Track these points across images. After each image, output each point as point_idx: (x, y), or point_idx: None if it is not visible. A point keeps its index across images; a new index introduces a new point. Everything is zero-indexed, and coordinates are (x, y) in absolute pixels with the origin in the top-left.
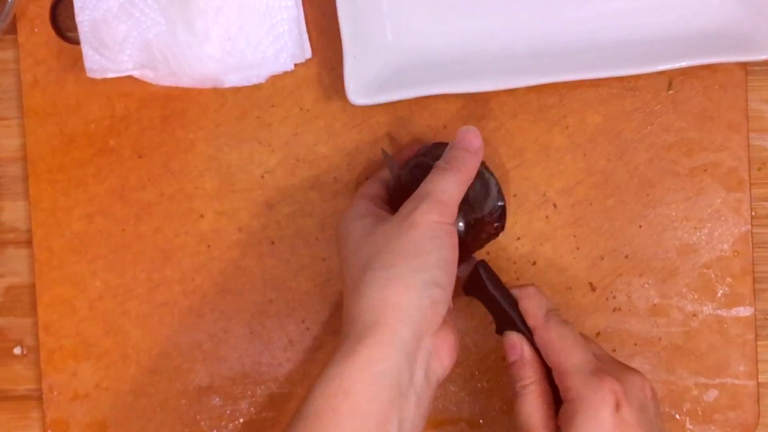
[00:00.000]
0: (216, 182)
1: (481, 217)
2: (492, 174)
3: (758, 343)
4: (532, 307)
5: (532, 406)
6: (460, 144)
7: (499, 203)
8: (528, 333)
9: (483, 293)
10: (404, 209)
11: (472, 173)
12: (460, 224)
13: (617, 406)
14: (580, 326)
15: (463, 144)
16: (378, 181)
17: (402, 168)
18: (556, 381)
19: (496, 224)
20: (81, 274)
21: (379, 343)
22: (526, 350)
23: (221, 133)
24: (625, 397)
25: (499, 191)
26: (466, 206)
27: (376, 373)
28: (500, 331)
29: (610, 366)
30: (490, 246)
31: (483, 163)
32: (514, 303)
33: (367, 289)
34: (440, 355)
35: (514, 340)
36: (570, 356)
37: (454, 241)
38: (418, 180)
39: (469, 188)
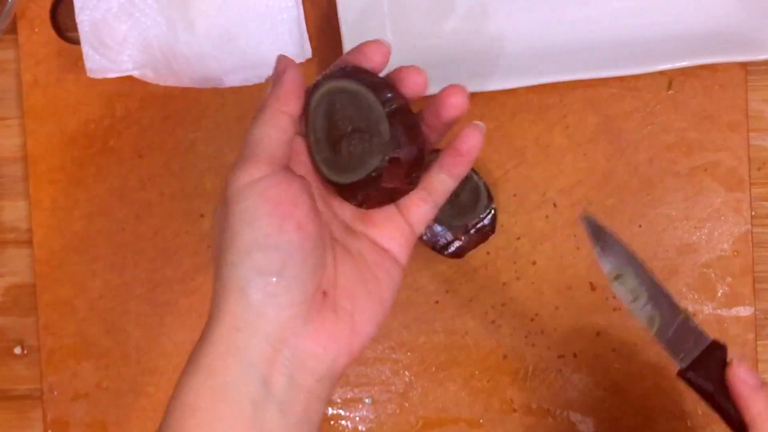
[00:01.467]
0: (216, 182)
1: (473, 223)
2: (481, 178)
3: (758, 342)
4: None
5: None
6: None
7: (490, 208)
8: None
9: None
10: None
11: (285, 102)
12: (438, 227)
13: None
14: (580, 326)
15: (274, 74)
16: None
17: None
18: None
19: (487, 228)
20: (81, 274)
21: (216, 353)
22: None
23: (221, 133)
24: None
25: (489, 195)
26: (456, 211)
27: (218, 386)
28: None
29: None
30: (490, 246)
31: (472, 169)
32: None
33: (215, 296)
34: (314, 352)
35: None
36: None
37: (275, 196)
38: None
39: (459, 193)
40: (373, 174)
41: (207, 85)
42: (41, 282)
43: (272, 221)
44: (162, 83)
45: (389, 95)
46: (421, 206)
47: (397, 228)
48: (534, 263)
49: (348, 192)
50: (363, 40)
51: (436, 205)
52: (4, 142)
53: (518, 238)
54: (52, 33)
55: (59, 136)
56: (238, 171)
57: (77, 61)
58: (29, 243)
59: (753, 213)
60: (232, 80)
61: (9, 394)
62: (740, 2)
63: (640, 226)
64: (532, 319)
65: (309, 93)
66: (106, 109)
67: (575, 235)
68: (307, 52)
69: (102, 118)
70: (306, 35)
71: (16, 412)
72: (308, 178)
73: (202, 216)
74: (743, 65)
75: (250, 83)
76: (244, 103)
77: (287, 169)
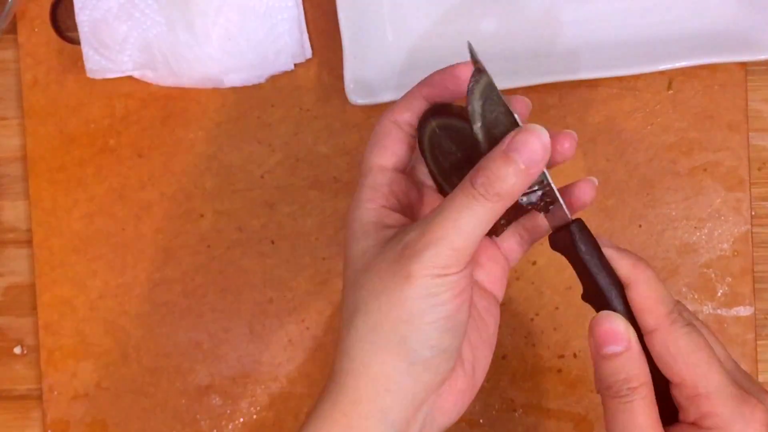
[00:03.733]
0: (216, 182)
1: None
2: None
3: (758, 342)
4: (651, 299)
5: (645, 416)
6: (511, 153)
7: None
8: (633, 326)
9: (574, 259)
10: (406, 244)
11: (514, 198)
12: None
13: None
14: (580, 326)
15: (515, 154)
16: (388, 135)
17: (421, 127)
18: (683, 398)
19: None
20: (81, 274)
21: (358, 414)
22: (634, 341)
23: (221, 133)
24: None
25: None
26: None
27: None
28: (588, 297)
29: (748, 386)
30: None
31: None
32: (617, 284)
33: (351, 349)
34: (445, 409)
35: (620, 326)
36: (709, 375)
37: (461, 286)
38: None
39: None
40: None
41: (207, 85)
42: (41, 282)
43: (454, 306)
44: (162, 83)
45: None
46: (517, 241)
47: (497, 264)
48: (534, 263)
49: None
50: (363, 40)
51: (533, 242)
52: (4, 142)
53: None
54: (52, 33)
55: (59, 136)
56: (437, 260)
57: (77, 61)
58: (29, 243)
59: (753, 213)
60: (232, 80)
61: (9, 394)
62: (740, 2)
63: (640, 226)
64: (532, 319)
65: (419, 130)
66: (106, 109)
67: None
68: (307, 52)
69: (102, 118)
70: (306, 35)
71: (15, 412)
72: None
73: (202, 216)
74: (743, 65)
75: (250, 83)
76: (244, 103)
77: (472, 262)
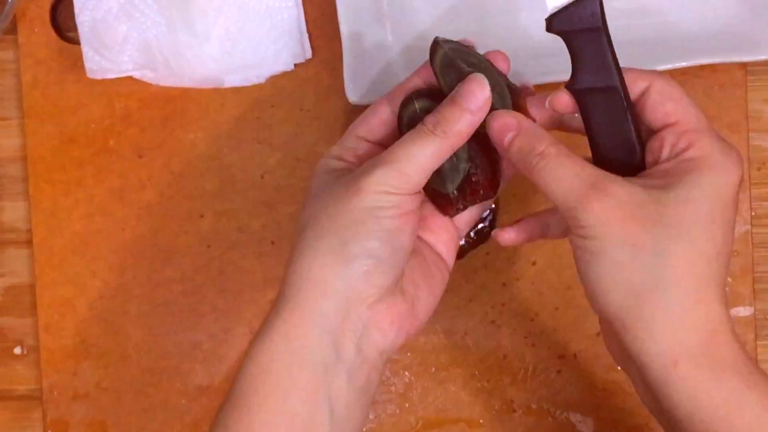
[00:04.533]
0: (216, 182)
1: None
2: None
3: (758, 343)
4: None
5: (567, 165)
6: (457, 98)
7: (490, 207)
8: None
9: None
10: (360, 169)
11: (463, 138)
12: None
13: (741, 177)
14: (580, 326)
15: (461, 99)
16: (375, 114)
17: (406, 101)
18: (671, 136)
19: (486, 228)
20: (81, 274)
21: (298, 318)
22: (526, 123)
23: (221, 133)
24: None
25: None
26: None
27: (294, 350)
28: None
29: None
30: (489, 246)
31: None
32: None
33: (296, 258)
34: (381, 327)
35: (507, 118)
36: (697, 114)
37: (407, 208)
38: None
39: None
40: (456, 189)
41: (207, 85)
42: (41, 282)
43: (398, 222)
44: (162, 83)
45: None
46: (469, 211)
47: (447, 233)
48: (534, 263)
49: (443, 198)
50: (363, 40)
51: (482, 211)
52: (4, 142)
53: None
54: (52, 33)
55: (59, 136)
56: (387, 179)
57: (77, 61)
58: (29, 243)
59: (753, 213)
60: (233, 80)
61: (9, 395)
62: (740, 3)
63: None
64: (532, 319)
65: (401, 109)
66: (106, 109)
67: None
68: (307, 52)
69: (102, 119)
70: (306, 35)
71: (16, 412)
72: None
73: (202, 216)
74: (743, 65)
75: (250, 83)
76: (244, 103)
77: (419, 189)
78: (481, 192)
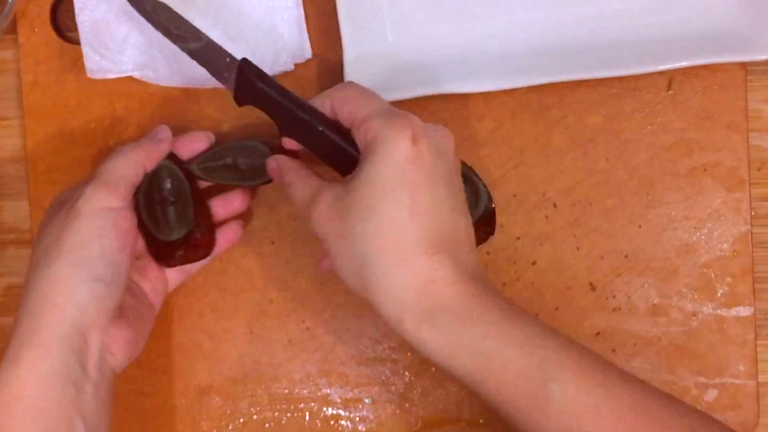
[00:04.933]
0: None
1: (472, 223)
2: (481, 179)
3: (758, 342)
4: (320, 97)
5: (301, 183)
6: (149, 135)
7: (489, 208)
8: (318, 118)
9: (258, 97)
10: (76, 194)
11: (150, 155)
12: None
13: (414, 140)
14: (580, 326)
15: (151, 134)
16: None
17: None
18: (355, 134)
19: (486, 229)
20: None
21: (42, 345)
22: (281, 158)
23: (222, 133)
24: (424, 135)
25: (489, 196)
26: None
27: (44, 373)
28: (285, 132)
29: (399, 113)
30: (490, 246)
31: (471, 168)
32: (294, 99)
33: (32, 289)
34: (113, 350)
35: (272, 163)
36: (366, 103)
37: (124, 227)
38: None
39: None
40: (181, 240)
41: (207, 86)
42: None
43: (117, 243)
44: (162, 83)
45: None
46: (178, 272)
47: (161, 283)
48: (534, 263)
49: (166, 246)
50: (363, 40)
51: (191, 272)
52: (5, 142)
53: (518, 239)
54: (52, 33)
55: (59, 136)
56: (97, 192)
57: (77, 61)
58: (29, 243)
59: (753, 213)
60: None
61: None
62: (740, 2)
63: (639, 226)
64: None
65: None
66: (107, 109)
67: (575, 235)
68: (307, 53)
69: (102, 118)
70: (306, 35)
71: None
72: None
73: None
74: (743, 65)
75: None
76: None
77: (131, 205)
78: (201, 250)
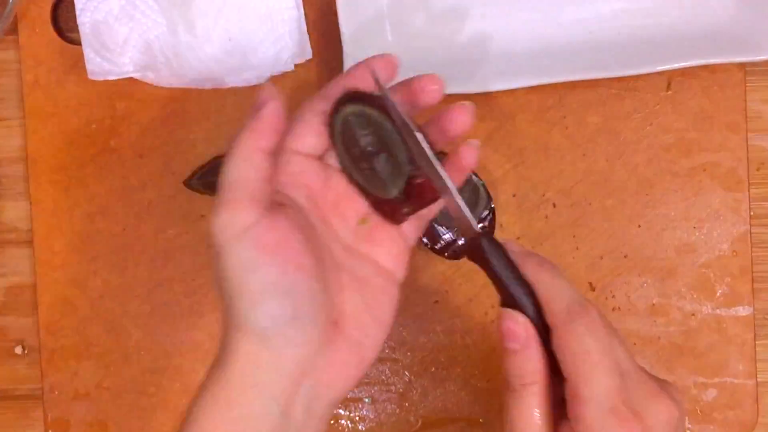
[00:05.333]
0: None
1: None
2: (480, 179)
3: (757, 342)
4: (547, 300)
5: (531, 410)
6: (255, 105)
7: (489, 207)
8: (541, 325)
9: (488, 271)
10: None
11: (260, 135)
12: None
13: None
14: None
15: (256, 105)
16: (305, 123)
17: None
18: (568, 397)
19: (486, 228)
20: (82, 274)
21: (236, 388)
22: (532, 338)
23: (222, 133)
24: None
25: (489, 196)
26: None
27: (238, 418)
28: (506, 304)
29: (635, 393)
30: None
31: None
32: (526, 287)
33: (224, 326)
34: (328, 382)
35: (517, 322)
36: (590, 381)
37: (271, 241)
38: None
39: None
40: (401, 193)
41: (208, 86)
42: (42, 282)
43: (274, 269)
44: (163, 84)
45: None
46: (414, 225)
47: (395, 243)
48: None
49: (387, 204)
50: (363, 41)
51: (429, 217)
52: (5, 142)
53: (518, 238)
54: (53, 34)
55: (60, 136)
56: (223, 218)
57: (78, 61)
58: (30, 243)
59: (752, 213)
60: (233, 81)
61: (10, 394)
62: (740, 3)
63: (639, 226)
64: None
65: (331, 116)
66: (107, 109)
67: (574, 235)
68: (307, 53)
69: (103, 119)
70: (306, 35)
71: (17, 411)
72: (311, 200)
73: (202, 216)
74: (742, 66)
75: (250, 84)
76: (244, 104)
77: (270, 206)
78: (429, 194)
